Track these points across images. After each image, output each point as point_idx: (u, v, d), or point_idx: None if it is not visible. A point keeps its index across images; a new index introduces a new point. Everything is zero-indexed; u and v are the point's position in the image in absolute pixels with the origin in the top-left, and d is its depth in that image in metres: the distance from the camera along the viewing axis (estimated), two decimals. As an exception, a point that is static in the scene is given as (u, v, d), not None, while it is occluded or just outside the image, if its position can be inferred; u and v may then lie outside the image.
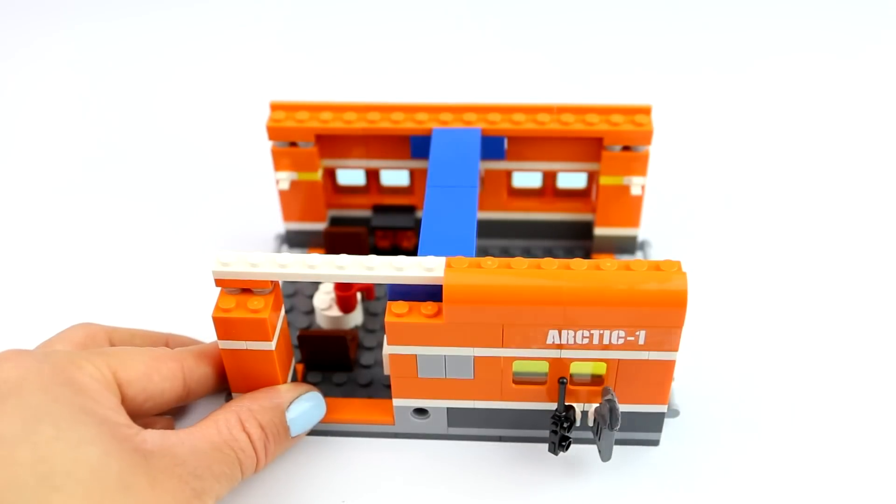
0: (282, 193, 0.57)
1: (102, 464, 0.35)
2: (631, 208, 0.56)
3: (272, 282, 0.43)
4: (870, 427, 0.48)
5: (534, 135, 0.53)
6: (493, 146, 0.54)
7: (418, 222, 0.57)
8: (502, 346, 0.42)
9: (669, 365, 0.43)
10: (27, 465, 0.34)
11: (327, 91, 0.77)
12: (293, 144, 0.54)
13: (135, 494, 0.36)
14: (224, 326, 0.42)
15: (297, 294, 0.55)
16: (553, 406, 0.45)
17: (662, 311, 0.40)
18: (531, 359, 0.43)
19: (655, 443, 0.47)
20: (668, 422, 0.48)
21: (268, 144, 0.55)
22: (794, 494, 0.45)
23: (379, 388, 0.49)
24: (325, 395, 0.47)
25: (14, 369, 0.37)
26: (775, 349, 0.53)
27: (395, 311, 0.42)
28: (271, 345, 0.43)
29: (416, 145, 0.54)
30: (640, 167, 0.54)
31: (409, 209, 0.58)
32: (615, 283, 0.40)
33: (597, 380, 0.45)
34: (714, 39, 0.86)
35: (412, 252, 0.57)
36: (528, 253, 0.58)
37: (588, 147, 0.54)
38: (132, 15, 0.91)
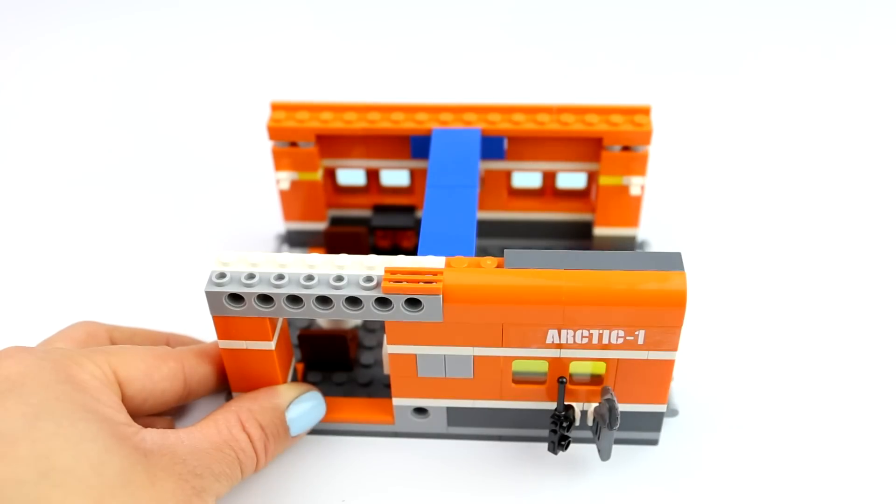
0: (282, 193, 0.57)
1: (102, 461, 0.35)
2: (630, 208, 0.56)
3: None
4: (869, 427, 0.48)
5: (534, 135, 0.53)
6: (492, 146, 0.54)
7: (418, 222, 0.57)
8: (502, 346, 0.42)
9: (669, 365, 0.43)
10: (27, 461, 0.34)
11: (327, 91, 0.77)
12: (293, 144, 0.54)
13: (134, 492, 0.36)
14: (224, 326, 0.42)
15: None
16: (553, 405, 0.45)
17: (662, 311, 0.40)
18: (531, 358, 0.43)
19: (654, 442, 0.47)
20: (667, 421, 0.48)
21: (268, 144, 0.55)
22: (793, 494, 0.45)
23: (379, 387, 0.49)
24: (325, 394, 0.47)
25: (15, 366, 0.37)
26: (775, 349, 0.53)
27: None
28: (271, 344, 0.43)
29: (416, 145, 0.54)
30: (639, 167, 0.54)
31: (409, 209, 0.58)
32: (614, 283, 0.40)
33: (596, 379, 0.45)
34: (713, 39, 0.86)
35: (412, 252, 0.57)
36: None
37: (588, 147, 0.54)
38: (132, 14, 0.91)
